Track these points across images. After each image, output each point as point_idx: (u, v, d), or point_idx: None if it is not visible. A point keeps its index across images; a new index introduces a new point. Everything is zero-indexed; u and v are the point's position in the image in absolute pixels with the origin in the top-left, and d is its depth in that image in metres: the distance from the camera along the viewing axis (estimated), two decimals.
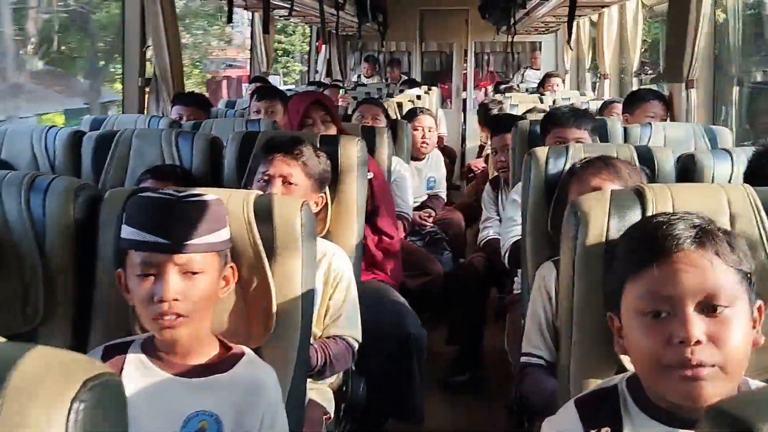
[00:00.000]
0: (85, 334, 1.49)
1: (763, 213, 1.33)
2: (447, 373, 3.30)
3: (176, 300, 1.31)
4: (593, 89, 7.07)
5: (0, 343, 0.73)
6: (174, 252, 1.32)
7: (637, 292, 1.10)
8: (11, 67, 7.74)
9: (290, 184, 1.96)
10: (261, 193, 1.60)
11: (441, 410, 3.02)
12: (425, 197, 4.28)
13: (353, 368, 2.16)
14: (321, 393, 1.97)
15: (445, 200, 4.49)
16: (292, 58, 14.26)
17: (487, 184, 3.54)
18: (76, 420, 0.65)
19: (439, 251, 3.95)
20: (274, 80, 10.93)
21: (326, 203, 2.13)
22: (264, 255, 1.50)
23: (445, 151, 6.01)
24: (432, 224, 4.05)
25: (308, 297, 1.55)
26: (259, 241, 1.50)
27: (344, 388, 2.12)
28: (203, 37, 13.64)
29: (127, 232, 1.36)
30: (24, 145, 2.32)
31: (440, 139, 6.15)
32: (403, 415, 2.59)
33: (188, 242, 1.33)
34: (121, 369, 1.37)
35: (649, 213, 1.34)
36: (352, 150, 2.24)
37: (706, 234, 1.10)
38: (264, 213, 1.53)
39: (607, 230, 1.33)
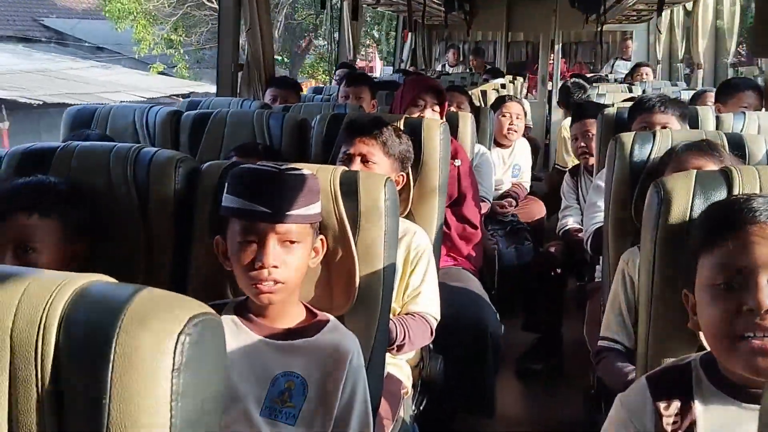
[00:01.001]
0: None
1: None
2: (523, 361, 3.29)
3: (275, 267, 1.38)
4: (686, 80, 6.85)
5: (114, 283, 0.81)
6: (276, 221, 1.39)
7: (709, 264, 1.12)
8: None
9: (369, 162, 2.02)
10: (347, 168, 1.67)
11: (515, 398, 3.02)
12: (509, 185, 4.27)
13: (431, 347, 2.20)
14: (399, 368, 2.02)
15: (528, 190, 4.46)
16: None
17: (567, 172, 3.50)
18: (182, 351, 0.72)
19: (520, 241, 3.94)
20: (389, 69, 11.27)
21: (408, 184, 2.18)
22: (349, 228, 1.57)
23: (529, 141, 5.95)
24: (512, 213, 4.04)
25: (389, 269, 1.61)
26: (345, 215, 1.57)
27: (422, 365, 2.17)
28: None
29: (230, 200, 1.43)
30: (127, 122, 2.48)
31: (525, 129, 6.10)
32: (474, 409, 2.61)
33: (289, 213, 1.40)
34: None
35: (734, 193, 1.33)
36: (435, 133, 2.28)
37: None
38: (349, 188, 1.59)
39: (691, 210, 1.33)
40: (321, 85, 4.90)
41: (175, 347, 0.72)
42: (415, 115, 2.75)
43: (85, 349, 0.72)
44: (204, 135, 2.38)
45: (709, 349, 1.20)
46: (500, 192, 4.11)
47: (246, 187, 1.42)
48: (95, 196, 1.59)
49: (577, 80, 5.79)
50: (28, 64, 11.42)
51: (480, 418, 2.69)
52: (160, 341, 0.72)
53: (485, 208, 3.62)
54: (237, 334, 1.46)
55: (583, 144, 3.51)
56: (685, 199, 1.34)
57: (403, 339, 1.92)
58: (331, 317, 1.52)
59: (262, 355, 1.44)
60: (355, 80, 3.67)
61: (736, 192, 1.33)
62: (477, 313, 2.55)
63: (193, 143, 2.38)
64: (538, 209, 4.23)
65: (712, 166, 1.80)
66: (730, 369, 1.11)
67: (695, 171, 1.40)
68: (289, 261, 1.41)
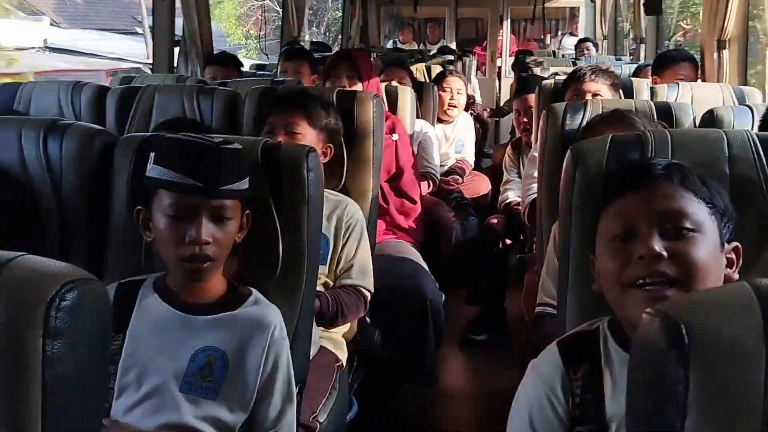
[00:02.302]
0: (99, 275, 1.55)
1: (763, 158, 1.32)
2: (466, 332, 3.32)
3: (207, 243, 1.36)
4: (632, 55, 6.92)
5: None
6: (210, 196, 1.37)
7: (607, 219, 1.15)
8: None
9: (294, 133, 2.00)
10: (269, 140, 1.64)
11: (457, 369, 3.04)
12: (453, 161, 4.27)
13: (368, 319, 2.20)
14: (333, 342, 2.01)
15: (473, 165, 4.46)
16: None
17: (509, 146, 3.53)
18: (55, 317, 0.70)
19: (465, 216, 3.95)
20: None
21: (342, 157, 2.16)
22: (271, 199, 1.55)
23: (479, 118, 5.97)
24: (458, 189, 4.04)
25: (314, 241, 1.59)
26: (267, 186, 1.54)
27: (358, 338, 2.17)
28: None
29: (159, 171, 1.38)
30: (51, 100, 2.39)
31: (475, 105, 6.11)
32: (416, 378, 2.63)
33: (223, 188, 1.38)
34: (134, 306, 1.44)
35: (647, 157, 1.34)
36: (368, 106, 2.26)
37: (676, 168, 1.13)
38: (271, 159, 1.57)
39: (605, 174, 1.34)
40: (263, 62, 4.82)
41: (47, 313, 0.69)
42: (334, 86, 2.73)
43: None
44: (132, 112, 2.32)
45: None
46: (445, 168, 4.10)
47: (179, 159, 1.38)
48: (7, 174, 1.53)
49: (534, 58, 5.81)
50: None
51: (422, 388, 2.71)
52: (31, 307, 0.69)
53: (433, 185, 3.63)
54: (156, 310, 1.43)
55: (525, 119, 3.53)
56: (600, 163, 1.35)
57: (335, 312, 1.92)
58: (254, 290, 1.50)
59: (182, 330, 1.42)
60: (295, 55, 3.62)
61: (648, 155, 1.35)
62: (416, 283, 2.55)
63: (121, 121, 2.31)
64: (483, 185, 4.24)
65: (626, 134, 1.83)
66: (628, 323, 1.12)
67: (610, 135, 1.41)
68: (221, 237, 1.39)
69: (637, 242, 1.08)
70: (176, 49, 3.77)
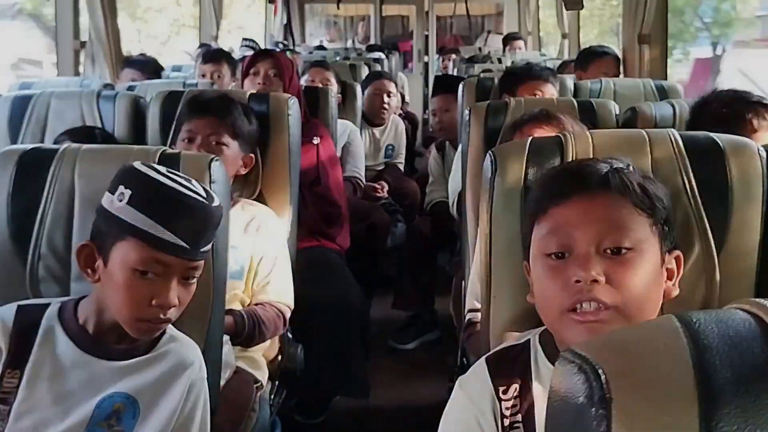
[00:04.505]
0: None
1: (686, 158, 1.27)
2: (394, 341, 3.24)
3: (174, 306, 1.25)
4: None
5: None
6: (191, 258, 1.25)
7: (541, 232, 1.06)
8: None
9: (219, 144, 1.87)
10: (166, 148, 1.51)
11: (388, 379, 2.94)
12: (383, 166, 4.15)
13: (290, 336, 2.09)
14: (251, 361, 1.89)
15: (403, 170, 4.35)
16: None
17: (433, 148, 3.47)
18: None
19: (393, 222, 3.85)
20: None
21: (257, 164, 2.04)
22: None
23: (408, 117, 5.89)
24: (386, 195, 3.93)
25: (221, 257, 1.47)
26: None
27: (279, 357, 2.05)
28: None
29: (135, 216, 1.21)
30: None
31: (404, 105, 6.03)
32: (347, 391, 2.53)
33: (203, 249, 1.27)
34: (35, 339, 1.27)
35: (568, 160, 1.28)
36: (283, 108, 2.13)
37: (615, 175, 1.04)
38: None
39: (525, 178, 1.27)
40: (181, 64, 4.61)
41: None
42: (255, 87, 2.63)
43: None
44: (25, 120, 2.13)
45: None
46: (374, 173, 3.98)
47: (164, 210, 1.22)
48: None
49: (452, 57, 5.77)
50: None
51: (353, 402, 2.61)
52: None
53: (359, 189, 3.53)
54: (61, 347, 1.28)
55: (443, 120, 3.49)
56: (519, 167, 1.28)
57: (252, 331, 1.80)
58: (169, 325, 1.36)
59: (88, 374, 1.26)
60: (213, 57, 3.46)
61: (569, 158, 1.28)
62: (342, 292, 2.46)
63: (14, 130, 2.12)
64: (412, 189, 4.13)
65: (554, 133, 1.78)
66: (564, 343, 1.05)
67: (529, 138, 1.34)
68: (184, 298, 1.27)
69: (574, 262, 1.00)
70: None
